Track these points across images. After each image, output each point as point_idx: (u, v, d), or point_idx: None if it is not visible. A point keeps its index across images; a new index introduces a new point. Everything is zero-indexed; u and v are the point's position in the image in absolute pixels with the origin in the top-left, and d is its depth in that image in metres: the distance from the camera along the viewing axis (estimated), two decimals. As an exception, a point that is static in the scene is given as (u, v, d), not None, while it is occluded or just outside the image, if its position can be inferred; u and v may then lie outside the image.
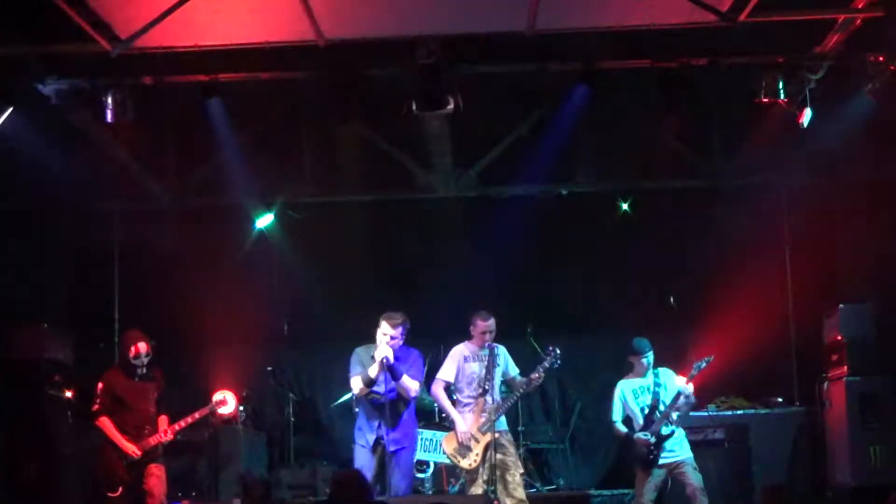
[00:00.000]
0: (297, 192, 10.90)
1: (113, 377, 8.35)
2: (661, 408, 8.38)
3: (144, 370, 8.30)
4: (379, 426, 7.86)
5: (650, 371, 8.52)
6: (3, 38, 8.05)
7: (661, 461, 8.33)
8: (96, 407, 8.29)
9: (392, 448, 7.86)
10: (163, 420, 8.38)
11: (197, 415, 8.52)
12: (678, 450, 8.38)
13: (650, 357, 8.48)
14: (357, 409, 8.24)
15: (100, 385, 8.34)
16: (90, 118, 8.99)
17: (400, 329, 7.89)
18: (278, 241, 11.24)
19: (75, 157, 9.87)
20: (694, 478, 8.27)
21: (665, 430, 8.33)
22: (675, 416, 8.39)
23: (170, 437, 8.32)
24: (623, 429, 8.55)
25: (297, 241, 11.27)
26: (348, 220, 11.26)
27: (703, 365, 8.34)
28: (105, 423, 8.23)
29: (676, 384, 8.46)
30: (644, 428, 8.39)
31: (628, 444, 8.50)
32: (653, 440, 8.31)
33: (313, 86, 8.86)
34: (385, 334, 7.87)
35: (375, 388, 7.86)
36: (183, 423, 8.40)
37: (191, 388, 9.98)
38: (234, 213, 11.07)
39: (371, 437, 7.91)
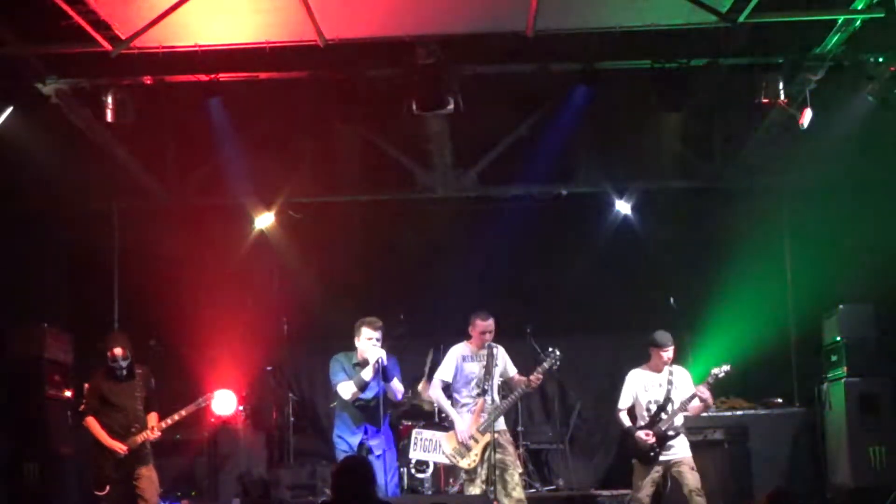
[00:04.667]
0: (297, 192, 10.89)
1: (98, 378, 8.42)
2: (671, 408, 8.37)
3: (124, 372, 8.36)
4: (365, 430, 7.88)
5: (668, 367, 8.49)
6: (3, 38, 8.06)
7: (662, 457, 8.34)
8: (83, 407, 8.41)
9: (377, 452, 7.88)
10: (152, 417, 8.42)
11: (184, 412, 8.52)
12: (677, 448, 8.38)
13: (671, 352, 8.43)
14: (337, 416, 8.17)
15: (86, 386, 8.47)
16: (90, 118, 9.00)
17: (380, 332, 7.93)
18: (278, 241, 11.23)
19: (75, 157, 9.87)
20: (691, 478, 8.26)
21: (672, 430, 8.33)
22: (681, 418, 8.39)
23: (157, 434, 8.34)
24: (626, 421, 8.53)
25: (297, 241, 11.26)
26: (348, 220, 11.25)
27: (722, 374, 8.30)
28: (91, 422, 8.31)
29: (690, 386, 8.43)
30: (649, 424, 8.39)
31: (629, 437, 8.48)
32: (652, 440, 8.31)
33: (313, 86, 8.86)
34: (369, 338, 7.89)
35: (364, 394, 7.88)
36: (170, 421, 8.42)
37: (190, 388, 9.97)
38: (234, 213, 11.07)
39: (354, 442, 7.92)
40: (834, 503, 9.80)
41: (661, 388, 8.44)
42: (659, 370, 8.48)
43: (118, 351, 8.30)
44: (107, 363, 8.35)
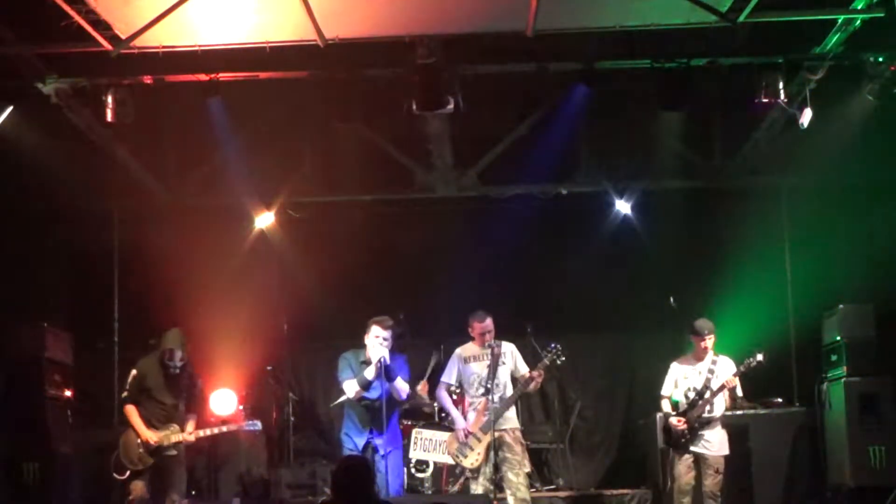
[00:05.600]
0: (297, 192, 10.89)
1: (147, 367, 8.50)
2: (707, 395, 8.38)
3: (177, 371, 8.46)
4: (371, 430, 7.87)
5: (710, 355, 8.50)
6: (3, 38, 8.05)
7: (693, 447, 8.38)
8: (125, 394, 8.50)
9: (383, 451, 7.87)
10: (191, 421, 8.53)
11: (225, 428, 8.85)
12: (712, 445, 8.41)
13: (710, 341, 8.46)
14: (346, 414, 8.22)
15: (133, 372, 8.52)
16: (90, 118, 9.00)
17: (390, 332, 7.93)
18: (278, 241, 11.23)
19: (75, 157, 9.87)
20: (710, 481, 8.31)
21: (705, 417, 8.34)
22: (718, 404, 8.38)
23: (191, 439, 8.46)
24: (666, 407, 8.60)
25: (297, 241, 11.26)
26: (348, 220, 11.25)
27: (754, 363, 8.32)
28: (130, 410, 8.41)
29: (729, 374, 8.42)
30: (687, 411, 8.40)
31: (666, 424, 8.57)
32: (683, 426, 8.33)
33: (313, 86, 8.86)
34: (377, 336, 7.88)
35: (368, 393, 7.87)
36: (209, 431, 8.64)
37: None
38: (234, 213, 11.06)
39: (361, 441, 7.92)
40: (834, 503, 9.79)
41: (701, 377, 8.48)
42: (700, 359, 8.53)
43: (177, 354, 8.40)
44: (158, 355, 8.44)
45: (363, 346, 8.04)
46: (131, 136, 9.59)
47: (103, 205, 10.94)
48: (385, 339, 7.88)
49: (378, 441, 7.88)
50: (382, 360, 7.78)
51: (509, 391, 8.29)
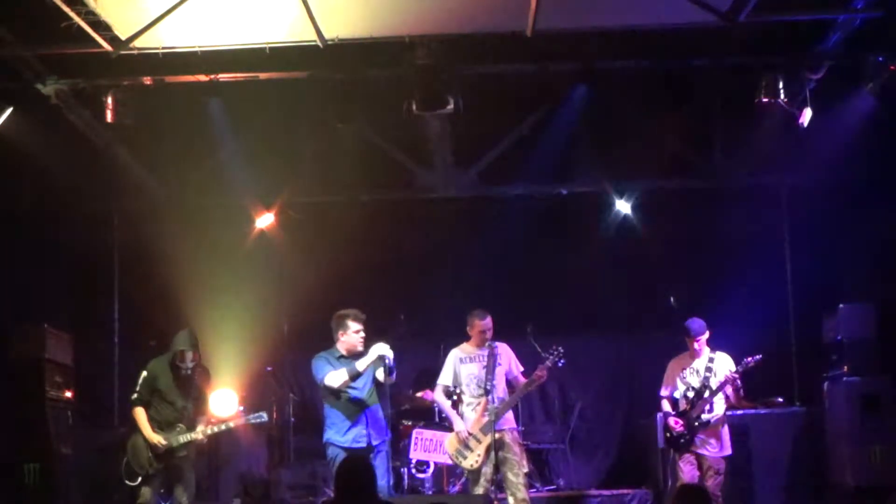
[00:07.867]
0: (297, 192, 10.89)
1: (158, 369, 8.41)
2: (706, 394, 8.36)
3: (189, 372, 8.39)
4: (358, 423, 7.73)
5: (705, 353, 8.48)
6: (3, 39, 8.06)
7: (693, 448, 8.36)
8: (135, 395, 8.39)
9: (374, 442, 7.72)
10: (201, 422, 8.45)
11: (232, 424, 8.71)
12: (713, 446, 8.39)
13: (701, 341, 8.44)
14: (327, 409, 7.91)
15: (143, 373, 8.41)
16: (90, 119, 9.00)
17: (363, 324, 7.86)
18: (278, 241, 11.23)
19: (75, 158, 9.88)
20: (711, 481, 8.28)
21: (703, 417, 8.33)
22: (717, 404, 8.36)
23: (202, 437, 8.37)
24: (666, 407, 8.59)
25: (297, 241, 11.26)
26: (348, 220, 11.24)
27: (751, 363, 8.29)
28: (139, 412, 8.29)
29: (727, 371, 8.40)
30: (687, 411, 8.40)
31: (666, 424, 8.57)
32: (680, 427, 8.32)
33: (313, 86, 8.86)
34: (357, 332, 7.80)
35: (355, 384, 7.77)
36: (216, 429, 8.52)
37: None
38: (234, 213, 11.07)
39: (349, 436, 7.73)
40: (834, 503, 9.80)
41: (699, 376, 8.45)
42: (695, 357, 8.51)
43: (188, 356, 8.32)
44: (170, 357, 8.37)
45: (334, 347, 7.89)
46: (131, 137, 9.59)
47: (103, 205, 10.95)
48: (364, 334, 7.81)
49: (368, 433, 7.72)
50: (388, 360, 7.68)
51: (505, 392, 8.29)
